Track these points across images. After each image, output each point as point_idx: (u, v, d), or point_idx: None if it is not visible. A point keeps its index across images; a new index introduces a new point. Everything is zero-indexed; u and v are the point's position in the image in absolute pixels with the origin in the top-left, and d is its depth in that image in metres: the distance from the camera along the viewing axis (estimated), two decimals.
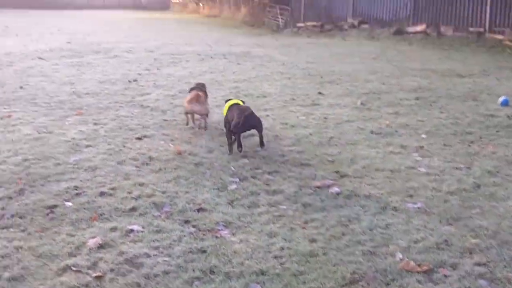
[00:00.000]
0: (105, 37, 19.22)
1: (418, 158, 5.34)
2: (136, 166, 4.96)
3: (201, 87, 6.80)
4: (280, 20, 27.86)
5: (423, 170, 4.99)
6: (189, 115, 6.50)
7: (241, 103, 5.79)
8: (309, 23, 24.69)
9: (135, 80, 9.75)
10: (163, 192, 4.34)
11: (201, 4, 48.70)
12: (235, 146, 5.35)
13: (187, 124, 6.50)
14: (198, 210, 4.01)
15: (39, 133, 6.03)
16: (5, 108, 7.31)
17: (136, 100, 7.98)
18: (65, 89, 8.80)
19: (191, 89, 6.73)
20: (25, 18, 34.02)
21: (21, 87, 8.87)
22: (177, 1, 60.02)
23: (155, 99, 8.11)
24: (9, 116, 6.81)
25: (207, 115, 6.44)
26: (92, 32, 22.72)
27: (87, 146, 5.56)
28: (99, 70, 11.06)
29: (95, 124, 6.50)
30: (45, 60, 12.35)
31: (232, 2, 38.52)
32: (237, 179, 4.67)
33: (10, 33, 21.39)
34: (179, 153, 5.33)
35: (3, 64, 11.58)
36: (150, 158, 5.18)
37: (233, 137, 5.36)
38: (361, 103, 7.87)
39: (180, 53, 14.26)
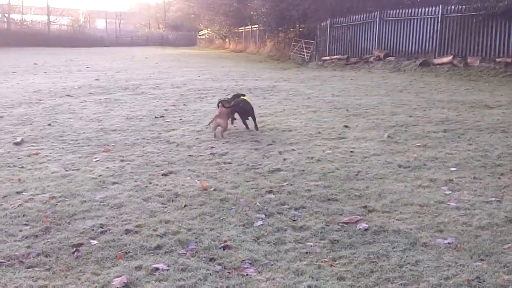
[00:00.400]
0: (133, 74, 19.52)
1: (448, 192, 5.22)
2: (162, 203, 4.94)
3: (225, 103, 8.33)
4: (306, 54, 28.01)
5: (452, 204, 4.88)
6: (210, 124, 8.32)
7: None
8: (334, 56, 24.78)
9: (161, 116, 9.85)
10: (189, 229, 4.30)
11: (226, 40, 49.40)
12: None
13: (208, 124, 8.58)
14: (224, 248, 3.96)
15: (66, 170, 6.08)
16: (33, 146, 7.41)
17: (162, 136, 8.02)
18: (93, 126, 8.90)
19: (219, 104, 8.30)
20: (54, 56, 34.81)
21: (49, 124, 9.00)
22: (203, 37, 60.90)
23: (181, 134, 8.15)
24: (37, 154, 6.89)
25: (226, 128, 8.01)
26: (120, 68, 23.13)
27: (114, 183, 5.57)
28: (126, 106, 11.20)
29: (121, 160, 6.53)
30: (74, 97, 12.57)
31: (257, 37, 38.92)
32: (263, 215, 4.61)
33: (39, 71, 21.88)
34: (205, 189, 5.30)
35: (32, 102, 11.80)
36: (176, 195, 5.16)
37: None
38: (388, 136, 7.79)
39: (206, 88, 14.40)
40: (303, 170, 6.01)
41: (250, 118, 8.51)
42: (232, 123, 8.66)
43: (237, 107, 8.40)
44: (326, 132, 8.21)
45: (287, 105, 11.16)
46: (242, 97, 8.66)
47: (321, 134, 8.07)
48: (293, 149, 7.04)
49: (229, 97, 9.39)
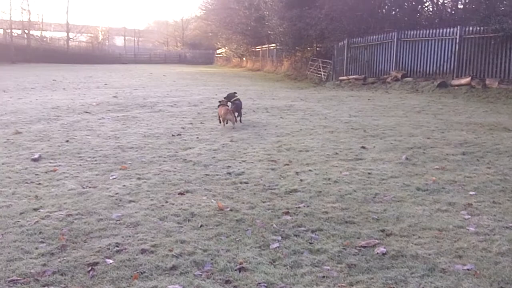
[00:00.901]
0: (150, 91, 19.65)
1: (467, 217, 5.15)
2: (178, 223, 4.93)
3: (225, 103, 11.32)
4: (323, 73, 28.03)
5: (472, 229, 4.81)
6: (223, 121, 10.91)
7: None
8: (351, 76, 24.77)
9: (178, 134, 9.88)
10: (204, 250, 4.28)
11: (244, 58, 49.64)
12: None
13: (220, 122, 11.07)
14: (240, 270, 3.93)
15: (83, 187, 6.09)
16: (50, 162, 7.45)
17: (179, 155, 8.03)
18: (110, 143, 8.95)
19: (219, 105, 11.22)
20: (73, 73, 35.19)
21: (67, 141, 9.06)
22: (221, 55, 61.26)
23: (198, 153, 8.15)
24: (54, 170, 6.92)
25: (233, 121, 10.83)
26: (138, 86, 23.31)
27: (130, 201, 5.57)
28: (143, 124, 11.25)
29: (138, 178, 6.54)
30: (91, 114, 12.67)
31: (274, 56, 39.05)
32: (279, 237, 4.58)
33: (58, 87, 22.11)
34: (221, 209, 5.28)
35: (51, 118, 11.91)
36: (192, 214, 5.14)
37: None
38: (406, 158, 7.73)
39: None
40: (320, 192, 5.97)
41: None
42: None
43: (237, 105, 11.38)
44: (343, 153, 8.17)
45: (304, 125, 11.14)
46: (236, 96, 11.66)
47: (338, 155, 8.03)
48: (310, 170, 7.01)
49: (224, 95, 12.70)
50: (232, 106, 11.28)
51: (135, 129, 10.50)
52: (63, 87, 22.54)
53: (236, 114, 11.29)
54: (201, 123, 11.51)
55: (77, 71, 38.55)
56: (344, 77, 25.20)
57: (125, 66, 53.83)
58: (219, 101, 11.68)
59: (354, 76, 24.57)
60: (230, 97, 11.74)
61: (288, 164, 7.37)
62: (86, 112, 13.03)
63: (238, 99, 11.63)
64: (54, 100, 16.24)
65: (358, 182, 6.41)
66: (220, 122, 11.10)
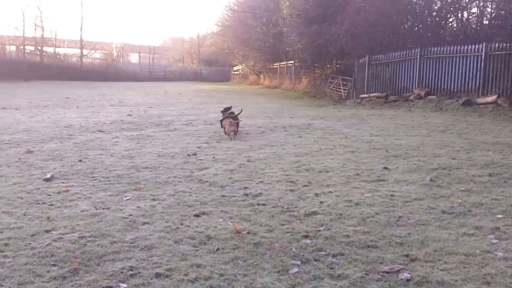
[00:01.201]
0: (165, 110, 19.79)
1: (494, 241, 5.08)
2: (194, 246, 4.92)
3: (229, 114, 13.23)
4: (343, 91, 28.04)
5: (500, 254, 4.74)
6: (229, 134, 12.29)
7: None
8: (372, 94, 24.74)
9: (194, 154, 9.91)
10: (221, 275, 4.26)
11: (261, 76, 49.84)
12: None
13: (225, 133, 12.54)
14: None
15: (96, 209, 6.12)
16: (63, 182, 7.50)
17: (194, 175, 8.05)
18: (124, 162, 9.00)
19: (224, 118, 13.07)
20: (86, 90, 35.57)
21: (80, 161, 9.13)
22: (237, 73, 61.57)
23: (214, 173, 8.16)
24: (67, 191, 6.97)
25: (236, 132, 12.46)
26: (152, 104, 23.50)
27: (144, 223, 5.58)
28: (158, 143, 11.31)
29: (153, 199, 6.55)
30: (105, 133, 12.77)
31: (293, 73, 39.17)
32: (299, 262, 4.55)
33: (71, 105, 22.35)
34: (238, 232, 5.27)
35: (63, 137, 12.02)
36: (208, 237, 5.14)
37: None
38: (431, 180, 7.67)
39: (240, 126, 14.46)
40: (341, 214, 5.94)
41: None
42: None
43: (237, 119, 12.97)
44: (364, 174, 8.13)
45: (323, 145, 11.13)
46: (230, 110, 13.64)
47: (359, 176, 8.00)
48: (330, 191, 6.98)
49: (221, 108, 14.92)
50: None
51: (149, 149, 10.56)
52: (77, 105, 22.79)
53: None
54: (217, 142, 11.55)
55: (91, 88, 38.96)
56: (365, 95, 25.17)
57: (139, 83, 54.31)
58: (223, 114, 13.51)
59: (375, 94, 24.53)
60: (226, 110, 13.72)
61: (307, 185, 7.35)
62: (100, 131, 13.14)
63: (233, 113, 13.40)
64: (67, 118, 16.42)
65: (381, 205, 6.36)
66: (225, 133, 12.66)
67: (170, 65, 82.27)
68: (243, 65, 56.13)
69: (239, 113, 13.43)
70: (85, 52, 67.17)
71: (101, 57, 73.45)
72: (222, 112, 13.89)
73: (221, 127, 13.21)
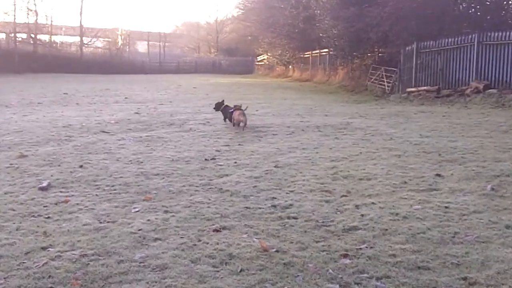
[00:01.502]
0: (178, 107, 19.91)
1: None
2: (213, 266, 4.93)
3: (239, 107, 14.74)
4: (386, 84, 27.92)
5: None
6: (237, 124, 14.23)
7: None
8: (421, 88, 24.60)
9: (212, 159, 9.94)
10: None
11: (290, 67, 49.87)
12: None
13: (233, 125, 14.39)
14: None
15: (100, 222, 6.16)
16: (61, 192, 7.57)
17: (213, 183, 8.07)
18: (132, 169, 9.05)
19: (234, 110, 14.70)
20: (88, 85, 35.94)
21: (80, 166, 9.21)
22: (262, 63, 61.69)
23: (236, 181, 8.17)
24: (66, 202, 7.03)
25: (245, 122, 14.12)
26: (164, 100, 23.67)
27: (156, 239, 5.60)
28: (171, 146, 11.37)
29: (165, 212, 6.58)
30: (110, 134, 12.87)
31: (327, 64, 39.12)
32: (337, 286, 4.53)
33: (70, 102, 22.61)
34: (265, 250, 5.26)
35: (61, 139, 12.14)
36: (230, 256, 5.14)
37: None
38: (492, 189, 7.59)
39: (266, 125, 14.51)
40: (386, 230, 5.90)
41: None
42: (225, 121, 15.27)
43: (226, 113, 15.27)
44: (413, 182, 8.08)
45: (364, 147, 11.09)
46: (224, 104, 15.81)
47: (407, 184, 7.94)
48: (372, 203, 6.94)
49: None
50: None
51: (161, 152, 10.62)
52: (76, 101, 23.04)
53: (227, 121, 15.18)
54: (239, 144, 11.58)
55: (92, 82, 39.34)
56: (413, 89, 25.02)
57: (148, 76, 54.70)
58: (234, 106, 15.13)
59: (425, 88, 24.37)
60: (218, 106, 15.92)
61: (346, 196, 7.32)
62: (103, 132, 13.25)
63: (228, 106, 15.69)
64: (65, 117, 16.59)
65: (433, 218, 6.31)
66: (233, 125, 14.40)
67: (183, 55, 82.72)
68: (269, 54, 56.21)
69: (245, 109, 14.69)
70: (85, 40, 67.91)
71: (104, 46, 74.11)
72: (214, 108, 16.18)
73: (229, 121, 15.06)
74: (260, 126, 14.45)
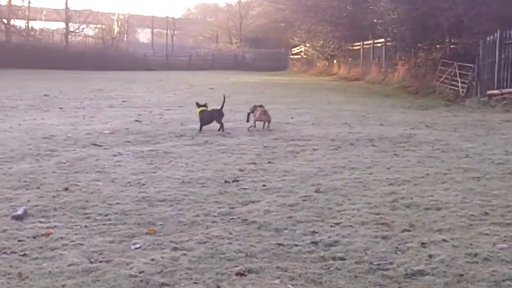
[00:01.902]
0: (191, 113, 19.95)
1: None
2: None
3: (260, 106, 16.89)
4: (460, 85, 27.75)
5: None
6: (257, 121, 16.27)
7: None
8: (507, 90, 24.36)
9: (235, 181, 9.93)
10: None
11: (335, 61, 49.78)
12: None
13: (254, 126, 16.31)
14: None
15: (90, 262, 6.18)
16: (41, 222, 7.58)
17: (236, 212, 8.07)
18: (131, 193, 9.07)
19: (255, 108, 16.85)
20: (75, 84, 36.23)
21: (66, 189, 9.24)
22: (298, 57, 61.68)
23: (265, 210, 8.16)
24: (48, 235, 7.05)
25: (270, 121, 16.29)
26: (172, 104, 23.81)
27: (162, 284, 5.61)
28: (181, 164, 11.40)
29: (174, 249, 6.59)
30: (103, 148, 12.95)
31: (383, 58, 39.00)
32: None
33: (52, 106, 22.81)
34: None
35: (41, 154, 12.20)
36: None
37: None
38: None
39: (303, 137, 14.51)
40: (461, 275, 5.85)
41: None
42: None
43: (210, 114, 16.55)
44: (497, 213, 8.01)
45: (431, 167, 11.03)
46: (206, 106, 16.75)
47: (489, 216, 7.88)
48: (443, 240, 6.89)
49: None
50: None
51: (168, 172, 10.64)
52: (60, 105, 23.19)
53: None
54: (269, 162, 11.57)
55: (81, 80, 39.68)
56: (495, 91, 24.83)
57: (152, 73, 54.99)
58: (255, 105, 17.19)
59: (511, 90, 24.16)
60: (200, 107, 16.80)
61: (408, 230, 7.28)
62: (95, 145, 13.32)
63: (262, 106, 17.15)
64: (46, 125, 16.70)
65: None
66: (254, 126, 16.24)
67: (197, 45, 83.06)
68: (307, 45, 56.28)
69: (222, 106, 16.46)
70: (72, 27, 68.35)
71: (95, 34, 74.75)
72: (199, 110, 16.74)
73: (247, 121, 16.94)
74: (296, 138, 14.43)
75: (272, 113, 18.70)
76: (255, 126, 16.28)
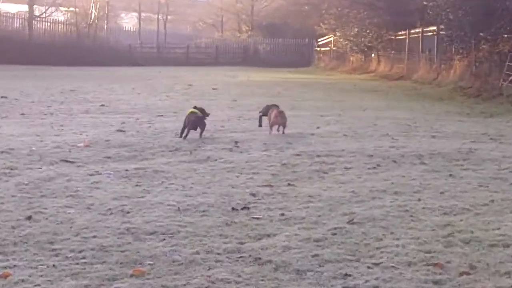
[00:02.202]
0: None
1: None
2: None
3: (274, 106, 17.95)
4: None
5: None
6: (273, 126, 17.17)
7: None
8: None
9: (245, 208, 9.90)
10: None
11: (373, 55, 49.74)
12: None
13: (270, 132, 17.30)
14: None
15: None
16: None
17: (246, 249, 8.06)
18: (112, 223, 9.07)
19: (268, 108, 17.85)
20: (41, 82, 36.34)
21: (28, 218, 9.23)
22: (326, 49, 61.68)
23: (284, 246, 8.16)
24: (5, 277, 7.06)
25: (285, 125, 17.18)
26: (164, 109, 23.89)
27: None
28: (176, 186, 11.38)
29: None
30: (76, 165, 12.96)
31: (434, 51, 38.96)
32: None
33: (11, 111, 22.84)
34: None
35: None
36: None
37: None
38: None
39: (332, 152, 14.49)
40: None
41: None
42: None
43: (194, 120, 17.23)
44: None
45: (497, 192, 11.01)
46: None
47: None
48: None
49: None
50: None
51: (159, 196, 10.62)
52: (21, 110, 23.24)
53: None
54: (289, 184, 11.55)
55: (48, 78, 39.79)
56: None
57: (139, 69, 55.08)
58: (267, 105, 18.42)
59: None
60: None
61: (468, 273, 7.26)
62: (66, 161, 13.32)
63: (277, 106, 18.21)
64: (4, 136, 16.70)
65: None
66: (270, 131, 17.43)
67: (197, 34, 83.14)
68: (338, 35, 56.28)
69: (207, 114, 17.77)
70: (37, 10, 68.44)
71: (67, 20, 74.79)
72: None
73: (260, 126, 18.27)
74: (324, 153, 14.38)
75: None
76: (271, 132, 17.31)
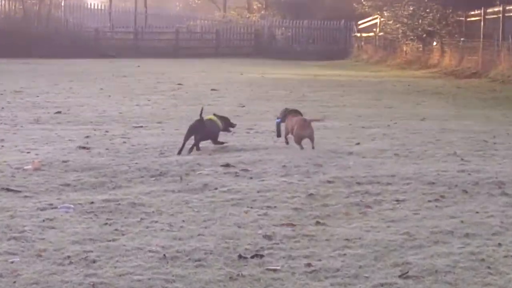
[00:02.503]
0: (179, 133, 20.01)
1: None
2: None
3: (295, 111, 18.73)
4: None
5: None
6: (299, 141, 17.49)
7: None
8: None
9: (256, 256, 9.88)
10: None
11: (434, 44, 49.81)
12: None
13: (287, 142, 18.25)
14: None
15: None
16: None
17: None
18: (71, 276, 9.06)
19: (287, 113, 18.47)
20: None
21: None
22: (368, 36, 61.87)
23: None
24: None
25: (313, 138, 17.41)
26: (144, 118, 23.98)
27: None
28: (161, 225, 11.38)
29: None
30: (22, 196, 12.95)
31: None
32: None
33: None
34: None
35: None
36: None
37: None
38: None
39: (377, 178, 14.48)
40: None
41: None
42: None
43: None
44: None
45: None
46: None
47: None
48: None
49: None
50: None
51: (138, 239, 10.62)
52: None
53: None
54: (317, 223, 11.54)
55: (8, 73, 39.92)
56: None
57: (111, 62, 55.29)
58: (286, 108, 19.27)
59: None
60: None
61: None
62: (7, 190, 13.33)
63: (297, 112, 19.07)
64: None
65: None
66: (287, 142, 18.32)
67: (189, 15, 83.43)
68: (386, 15, 56.45)
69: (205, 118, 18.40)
70: None
71: None
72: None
73: (278, 136, 18.92)
74: (366, 180, 14.37)
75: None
76: (287, 142, 18.25)
